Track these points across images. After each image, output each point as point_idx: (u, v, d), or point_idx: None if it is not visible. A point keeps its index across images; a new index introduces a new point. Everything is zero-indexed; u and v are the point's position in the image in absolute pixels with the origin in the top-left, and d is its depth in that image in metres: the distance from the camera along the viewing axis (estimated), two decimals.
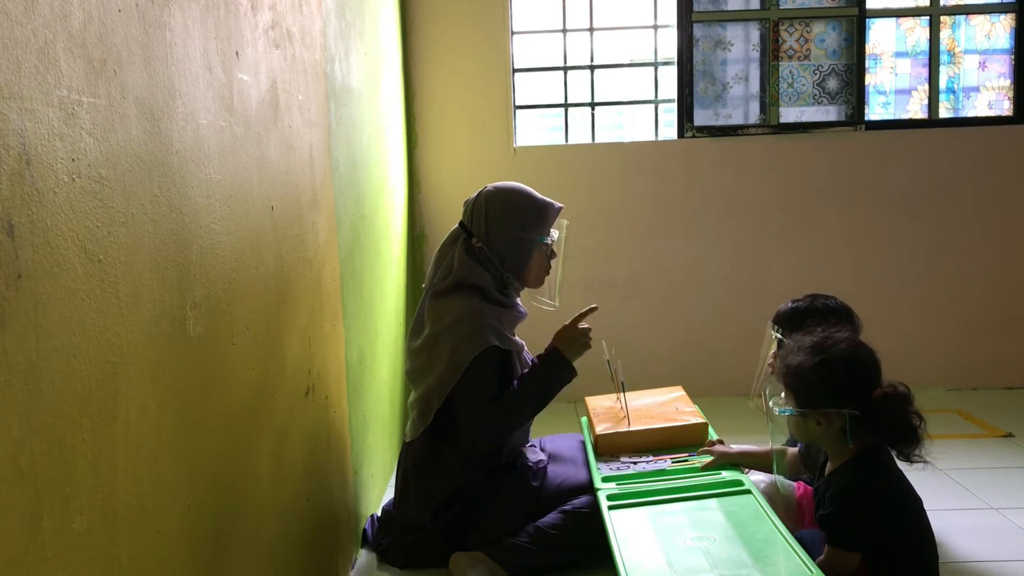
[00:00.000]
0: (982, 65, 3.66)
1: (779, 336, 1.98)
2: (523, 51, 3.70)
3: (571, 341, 2.09)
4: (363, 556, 2.16)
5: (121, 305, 0.93)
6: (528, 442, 2.23)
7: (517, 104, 3.68)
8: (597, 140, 3.74)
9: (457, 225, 2.15)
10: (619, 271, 3.60)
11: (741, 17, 3.63)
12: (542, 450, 2.26)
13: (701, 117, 3.65)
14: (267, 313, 1.46)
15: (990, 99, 3.67)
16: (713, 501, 1.84)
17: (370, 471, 2.34)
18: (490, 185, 2.15)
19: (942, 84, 3.64)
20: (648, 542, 1.68)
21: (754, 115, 3.68)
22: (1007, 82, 3.65)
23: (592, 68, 3.71)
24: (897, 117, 3.68)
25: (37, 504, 0.77)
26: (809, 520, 1.84)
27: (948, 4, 3.63)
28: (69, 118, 0.84)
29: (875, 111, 3.68)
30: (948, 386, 3.59)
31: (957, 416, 3.22)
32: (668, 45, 3.67)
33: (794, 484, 1.95)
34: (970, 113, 3.67)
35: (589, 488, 2.03)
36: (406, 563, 2.06)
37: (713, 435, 2.24)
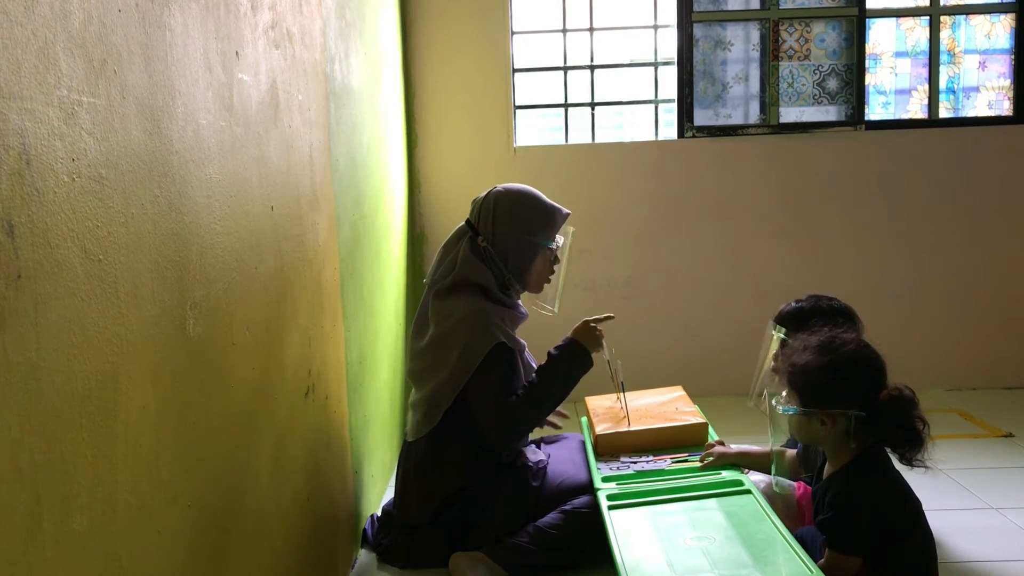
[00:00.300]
0: (982, 65, 3.66)
1: (783, 336, 1.97)
2: (523, 51, 3.70)
3: (586, 334, 2.10)
4: (363, 556, 2.16)
5: (121, 305, 0.93)
6: (528, 442, 2.23)
7: (517, 104, 3.68)
8: (597, 140, 3.74)
9: (464, 223, 2.15)
10: (619, 271, 3.60)
11: (741, 17, 3.63)
12: (539, 448, 2.26)
13: (701, 117, 3.66)
14: (267, 313, 1.46)
15: (990, 99, 3.67)
16: (713, 501, 1.83)
17: (370, 471, 2.34)
18: (500, 185, 2.15)
19: (942, 84, 3.64)
20: (648, 542, 1.68)
21: (754, 115, 3.68)
22: (1007, 82, 3.65)
23: (592, 68, 3.71)
24: (897, 117, 3.68)
25: (37, 504, 0.77)
26: (809, 521, 1.84)
27: (948, 4, 3.63)
28: (69, 118, 0.84)
29: (875, 111, 3.68)
30: (948, 386, 3.59)
31: (957, 416, 3.22)
32: (668, 45, 3.67)
33: (794, 484, 1.94)
34: (970, 113, 3.67)
35: (589, 488, 2.03)
36: (406, 563, 2.06)
37: (713, 436, 2.24)
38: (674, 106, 3.66)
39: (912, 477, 1.69)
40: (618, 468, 2.11)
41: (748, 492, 1.86)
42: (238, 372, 1.31)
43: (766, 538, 1.63)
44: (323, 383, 1.83)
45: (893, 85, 3.68)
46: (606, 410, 2.35)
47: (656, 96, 3.71)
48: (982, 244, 3.59)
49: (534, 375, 2.06)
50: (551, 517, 2.01)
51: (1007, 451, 2.81)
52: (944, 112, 3.66)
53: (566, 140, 3.74)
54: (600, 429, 2.23)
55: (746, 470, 2.01)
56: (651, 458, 2.15)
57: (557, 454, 2.24)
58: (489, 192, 2.14)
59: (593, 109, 3.74)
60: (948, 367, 3.59)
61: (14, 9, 0.75)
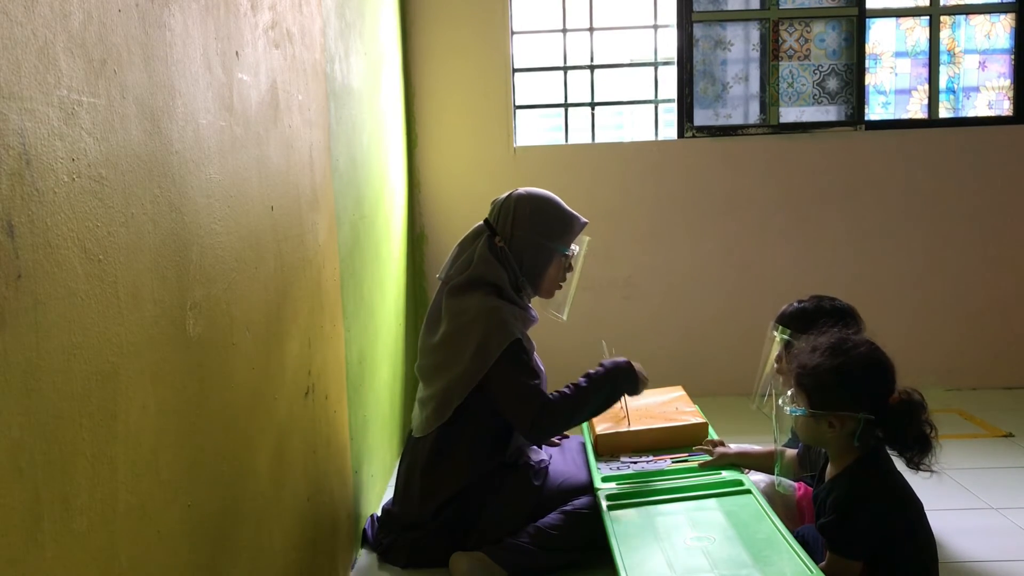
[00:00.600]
0: (982, 65, 3.66)
1: (787, 337, 1.97)
2: (523, 51, 3.70)
3: (639, 374, 2.11)
4: (363, 556, 2.16)
5: (121, 305, 0.93)
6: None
7: (517, 104, 3.68)
8: (597, 140, 3.74)
9: (481, 222, 2.17)
10: (619, 271, 3.59)
11: (741, 17, 3.63)
12: (540, 448, 2.26)
13: (701, 117, 3.66)
14: (267, 313, 1.46)
15: (990, 99, 3.67)
16: (713, 501, 1.84)
17: (370, 471, 2.34)
18: (522, 188, 2.17)
19: (942, 84, 3.64)
20: (648, 542, 1.68)
21: (754, 115, 3.68)
22: (1007, 82, 3.65)
23: (592, 68, 3.71)
24: (897, 117, 3.68)
25: (37, 504, 0.77)
26: (808, 522, 1.84)
27: (948, 4, 3.63)
28: (69, 118, 0.84)
29: (875, 111, 3.68)
30: (948, 386, 3.59)
31: (957, 416, 3.22)
32: (668, 45, 3.67)
33: (794, 484, 1.95)
34: (970, 113, 3.67)
35: (590, 489, 2.03)
36: (407, 562, 2.06)
37: (713, 436, 2.24)
38: (674, 106, 3.66)
39: (912, 477, 1.69)
40: (618, 468, 2.11)
41: (748, 492, 1.86)
42: (238, 372, 1.31)
43: (766, 538, 1.63)
44: (323, 383, 1.83)
45: (893, 85, 3.68)
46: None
47: (656, 96, 3.71)
48: (982, 244, 3.59)
49: (582, 380, 2.06)
50: (551, 517, 2.01)
51: (1007, 451, 2.81)
52: (944, 112, 3.66)
53: (566, 140, 3.74)
54: (600, 429, 2.23)
55: (746, 470, 2.02)
56: (651, 458, 2.15)
57: (558, 454, 2.24)
58: (511, 193, 2.15)
59: (593, 109, 3.74)
60: (948, 367, 3.59)
61: (14, 9, 0.75)
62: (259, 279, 1.42)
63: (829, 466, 1.73)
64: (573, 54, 3.72)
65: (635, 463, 2.13)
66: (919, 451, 1.60)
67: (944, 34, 3.63)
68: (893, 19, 3.65)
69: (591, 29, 3.70)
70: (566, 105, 3.73)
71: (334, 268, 1.98)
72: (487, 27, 3.55)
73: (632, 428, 2.21)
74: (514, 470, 2.09)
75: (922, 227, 3.58)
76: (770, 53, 3.62)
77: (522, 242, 2.10)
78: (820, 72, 3.63)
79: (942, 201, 3.57)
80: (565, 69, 3.71)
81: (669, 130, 3.70)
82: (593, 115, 3.74)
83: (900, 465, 1.65)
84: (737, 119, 3.67)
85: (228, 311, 1.27)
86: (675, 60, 3.63)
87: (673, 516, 1.78)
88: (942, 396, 3.48)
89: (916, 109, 3.67)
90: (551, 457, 2.20)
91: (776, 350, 2.02)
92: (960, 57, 3.66)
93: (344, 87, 2.17)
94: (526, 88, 3.74)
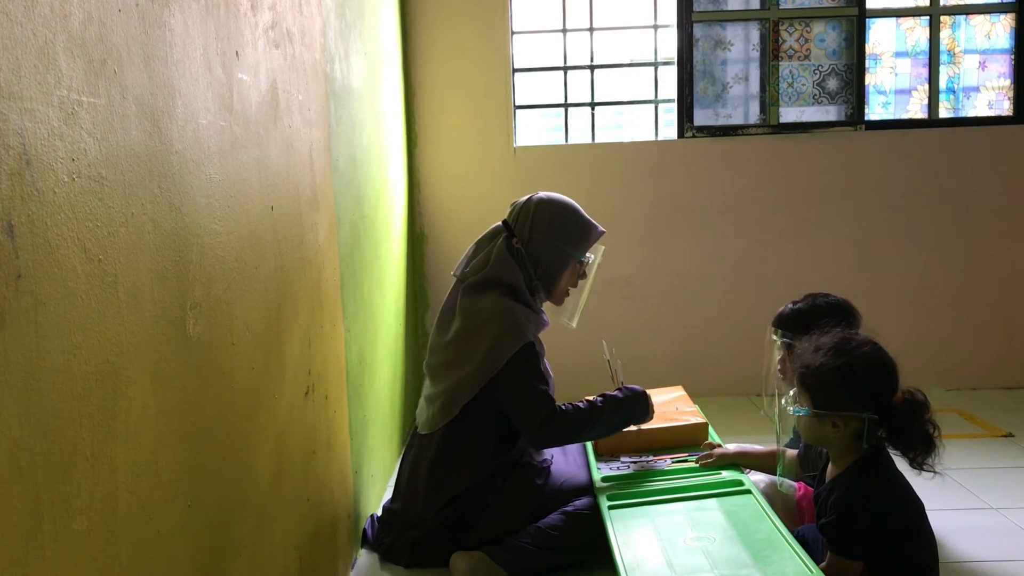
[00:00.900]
0: (982, 65, 3.66)
1: (786, 340, 1.97)
2: (523, 51, 3.70)
3: (649, 404, 2.13)
4: (363, 556, 2.16)
5: (121, 305, 0.93)
6: None
7: (517, 104, 3.68)
8: (597, 140, 3.74)
9: (499, 222, 2.18)
10: (619, 271, 3.59)
11: (741, 17, 3.63)
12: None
13: (701, 117, 3.66)
14: (267, 313, 1.46)
15: (990, 99, 3.67)
16: (713, 501, 1.84)
17: (370, 471, 2.34)
18: (543, 192, 2.19)
19: (942, 84, 3.64)
20: (648, 542, 1.68)
21: (754, 115, 3.68)
22: (1007, 82, 3.65)
23: (592, 68, 3.71)
24: (897, 117, 3.68)
25: (37, 504, 0.77)
26: (809, 521, 1.84)
27: (948, 4, 3.63)
28: (69, 118, 0.84)
29: (875, 111, 3.68)
30: (948, 386, 3.59)
31: (957, 416, 3.22)
32: (668, 45, 3.67)
33: (795, 485, 1.94)
34: (970, 113, 3.67)
35: (590, 490, 2.03)
36: (410, 562, 2.06)
37: (714, 436, 2.24)
38: (674, 106, 3.66)
39: (912, 477, 1.69)
40: (618, 468, 2.11)
41: (748, 492, 1.86)
42: (238, 372, 1.31)
43: (766, 538, 1.63)
44: (323, 383, 1.83)
45: (893, 85, 3.68)
46: None
47: (656, 96, 3.71)
48: (982, 244, 3.59)
49: (598, 399, 2.07)
50: (552, 518, 2.01)
51: (1007, 451, 2.81)
52: (944, 112, 3.66)
53: (566, 140, 3.74)
54: None
55: (746, 470, 2.02)
56: (651, 458, 2.15)
57: (559, 454, 2.24)
58: (531, 197, 2.18)
59: (593, 109, 3.74)
60: (948, 367, 3.59)
61: (14, 9, 0.75)
62: (259, 279, 1.42)
63: (830, 466, 1.73)
64: (573, 54, 3.72)
65: (635, 463, 2.13)
66: (922, 451, 1.59)
67: (944, 34, 3.63)
68: (893, 19, 3.65)
69: (591, 29, 3.70)
70: (566, 105, 3.73)
71: (334, 268, 1.98)
72: (487, 27, 3.55)
73: (632, 428, 2.21)
74: (517, 469, 2.10)
75: (922, 227, 3.58)
76: (770, 53, 3.62)
77: (539, 245, 2.12)
78: (820, 72, 3.63)
79: (942, 201, 3.57)
80: (565, 69, 3.71)
81: (669, 130, 3.70)
82: (593, 115, 3.74)
83: (901, 465, 1.65)
84: (737, 119, 3.67)
85: (228, 311, 1.27)
86: (675, 60, 3.63)
87: (673, 516, 1.78)
88: (942, 396, 3.48)
89: (916, 109, 3.67)
90: (552, 457, 2.21)
91: (778, 354, 2.02)
92: (960, 57, 3.66)
93: (344, 87, 2.17)
94: (526, 88, 3.74)
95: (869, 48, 3.62)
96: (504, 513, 2.02)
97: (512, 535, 1.99)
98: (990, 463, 2.69)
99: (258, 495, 1.39)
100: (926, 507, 1.67)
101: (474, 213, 3.51)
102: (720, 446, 2.13)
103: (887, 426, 1.61)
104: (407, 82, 3.52)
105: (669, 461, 2.12)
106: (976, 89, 3.67)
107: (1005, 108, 3.65)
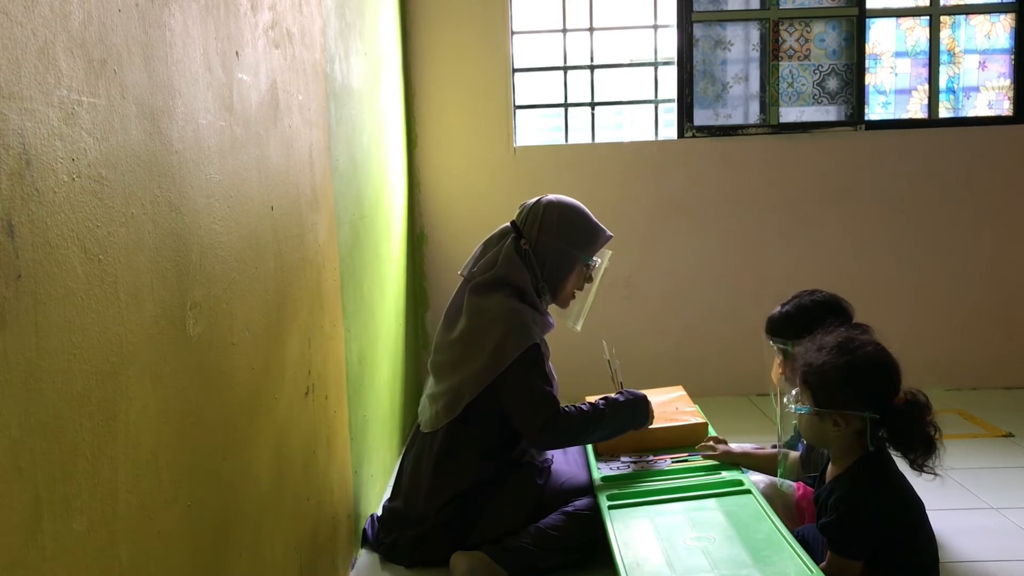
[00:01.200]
0: (982, 65, 3.66)
1: (781, 346, 1.96)
2: (523, 51, 3.70)
3: (649, 409, 2.13)
4: (363, 556, 2.16)
5: (121, 305, 0.93)
6: None
7: (517, 104, 3.68)
8: (597, 140, 3.74)
9: (508, 223, 2.18)
10: (619, 271, 3.59)
11: (741, 17, 3.63)
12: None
13: (701, 117, 3.65)
14: (267, 313, 1.46)
15: (990, 99, 3.67)
16: (713, 501, 1.84)
17: (370, 471, 2.34)
18: (552, 195, 2.20)
19: (942, 84, 3.64)
20: (648, 542, 1.68)
21: (754, 115, 3.68)
22: (1007, 82, 3.65)
23: (592, 68, 3.71)
24: (897, 117, 3.68)
25: (37, 504, 0.77)
26: (809, 521, 1.84)
27: (948, 4, 3.63)
28: (69, 118, 0.84)
29: (875, 111, 3.68)
30: (948, 386, 3.59)
31: (957, 416, 3.22)
32: (668, 45, 3.67)
33: (794, 485, 1.95)
34: (970, 113, 3.67)
35: (591, 490, 2.03)
36: (411, 562, 2.06)
37: (712, 433, 2.24)
38: (674, 106, 3.66)
39: (912, 478, 1.69)
40: (618, 468, 2.11)
41: (748, 492, 1.86)
42: (238, 372, 1.31)
43: (766, 538, 1.63)
44: (323, 383, 1.83)
45: (893, 85, 3.68)
46: None
47: (656, 96, 3.71)
48: (982, 244, 3.59)
49: (600, 402, 2.08)
50: (552, 518, 2.01)
51: (1007, 451, 2.81)
52: (944, 112, 3.66)
53: (566, 140, 3.74)
54: None
55: (746, 470, 2.02)
56: (651, 458, 2.15)
57: (560, 454, 2.24)
58: (540, 199, 2.18)
59: (593, 109, 3.74)
60: (948, 367, 3.59)
61: (14, 9, 0.75)
62: (259, 279, 1.42)
63: (830, 466, 1.73)
64: (573, 54, 3.72)
65: (635, 463, 2.13)
66: (923, 453, 1.59)
67: (944, 34, 3.63)
68: (893, 19, 3.65)
69: (591, 29, 3.70)
70: (566, 105, 3.73)
71: (334, 268, 1.98)
72: (487, 27, 3.55)
73: None
74: (518, 468, 2.10)
75: (922, 227, 3.58)
76: (770, 53, 3.62)
77: (547, 247, 2.12)
78: (820, 72, 3.63)
79: (942, 201, 3.57)
80: (565, 69, 3.71)
81: (669, 130, 3.70)
82: (593, 115, 3.74)
83: (902, 465, 1.65)
84: (737, 119, 3.67)
85: (228, 311, 1.27)
86: (675, 60, 3.63)
87: (673, 516, 1.78)
88: (942, 396, 3.48)
89: (916, 109, 3.67)
90: (553, 457, 2.21)
91: (777, 359, 2.02)
92: (960, 57, 3.66)
93: (344, 87, 2.17)
94: (526, 88, 3.74)
95: (869, 48, 3.62)
96: (504, 513, 2.02)
97: (512, 535, 1.99)
98: (990, 463, 2.69)
99: (258, 495, 1.39)
100: (926, 507, 1.67)
101: (474, 213, 3.51)
102: (724, 442, 2.13)
103: (888, 426, 1.61)
104: (407, 82, 3.52)
105: (669, 461, 2.12)
106: (976, 89, 3.67)
107: (1005, 108, 3.65)
